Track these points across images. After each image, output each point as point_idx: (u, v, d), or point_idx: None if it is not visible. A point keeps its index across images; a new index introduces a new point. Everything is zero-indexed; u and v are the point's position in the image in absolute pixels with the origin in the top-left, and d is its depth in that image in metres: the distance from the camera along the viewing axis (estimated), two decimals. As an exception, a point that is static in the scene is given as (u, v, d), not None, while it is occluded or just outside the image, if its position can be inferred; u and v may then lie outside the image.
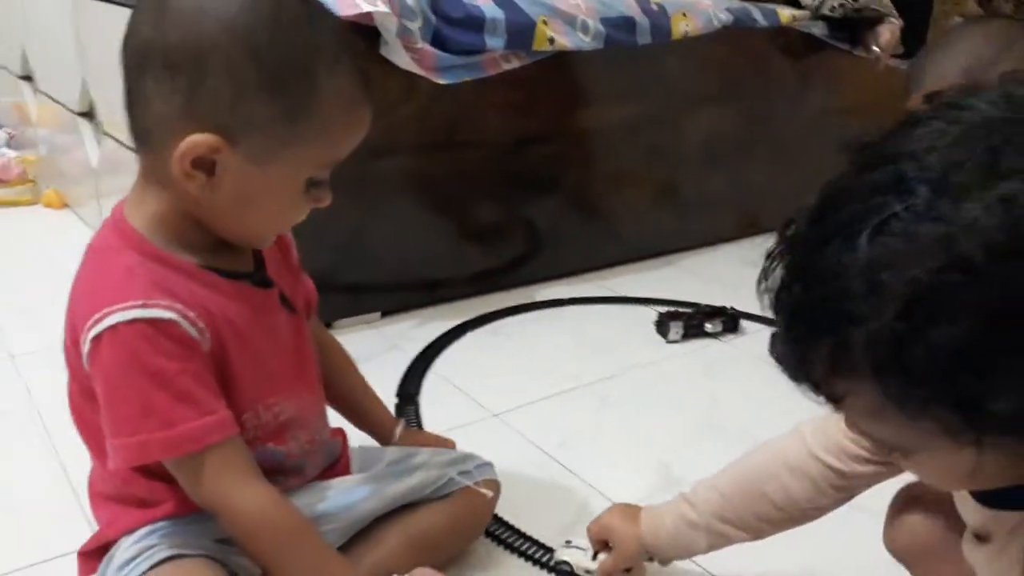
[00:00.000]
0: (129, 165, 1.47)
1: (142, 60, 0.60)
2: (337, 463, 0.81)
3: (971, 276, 0.35)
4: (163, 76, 0.59)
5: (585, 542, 0.81)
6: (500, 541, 0.87)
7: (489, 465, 0.86)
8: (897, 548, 0.71)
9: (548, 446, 1.05)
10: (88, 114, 1.66)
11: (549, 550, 0.86)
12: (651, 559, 0.78)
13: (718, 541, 0.74)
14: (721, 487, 0.74)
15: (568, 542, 0.83)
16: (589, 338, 1.38)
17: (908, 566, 0.72)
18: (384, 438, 0.89)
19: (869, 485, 0.69)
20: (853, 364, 0.39)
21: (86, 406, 0.66)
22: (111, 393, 0.62)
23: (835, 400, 0.43)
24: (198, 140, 0.59)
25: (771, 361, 1.44)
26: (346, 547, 0.77)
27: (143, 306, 0.60)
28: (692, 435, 1.10)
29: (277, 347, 0.71)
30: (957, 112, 0.39)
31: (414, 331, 1.34)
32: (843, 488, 0.69)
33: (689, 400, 1.19)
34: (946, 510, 0.60)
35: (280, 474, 0.72)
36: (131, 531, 0.68)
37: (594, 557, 0.80)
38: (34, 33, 1.88)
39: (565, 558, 0.82)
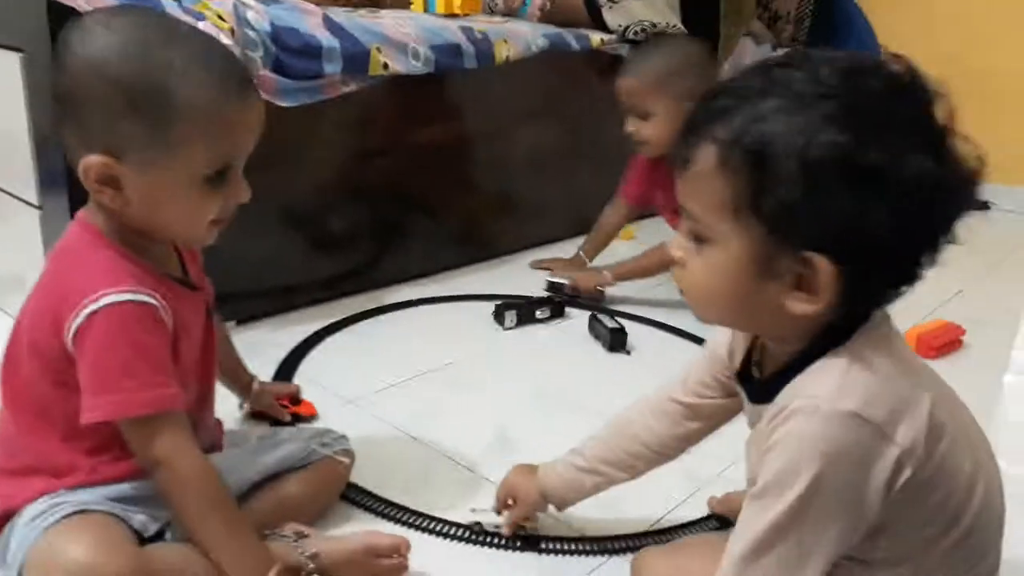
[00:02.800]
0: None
1: (54, 105, 0.73)
2: (214, 448, 0.91)
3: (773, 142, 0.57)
4: (63, 115, 0.73)
5: (487, 505, 0.97)
6: (356, 504, 1.01)
7: (344, 438, 1.00)
8: None
9: (397, 422, 1.19)
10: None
11: (402, 508, 1.00)
12: (552, 508, 0.92)
13: (602, 482, 0.88)
14: (601, 435, 0.89)
15: (472, 509, 0.98)
16: (435, 332, 1.53)
17: None
18: (244, 390, 1.13)
19: (713, 420, 0.84)
20: (715, 134, 0.60)
21: (42, 383, 0.76)
22: (100, 357, 0.72)
23: (686, 163, 0.62)
24: (89, 162, 0.72)
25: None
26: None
27: (133, 291, 0.73)
28: (524, 403, 1.28)
29: (196, 343, 0.83)
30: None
31: (269, 336, 1.45)
32: (694, 418, 0.84)
33: (521, 375, 1.37)
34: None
35: None
36: (36, 499, 0.76)
37: (499, 513, 0.96)
38: None
39: (476, 519, 0.96)
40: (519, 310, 1.55)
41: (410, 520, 0.98)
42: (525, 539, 0.95)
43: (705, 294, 0.65)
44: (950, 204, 0.59)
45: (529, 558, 0.93)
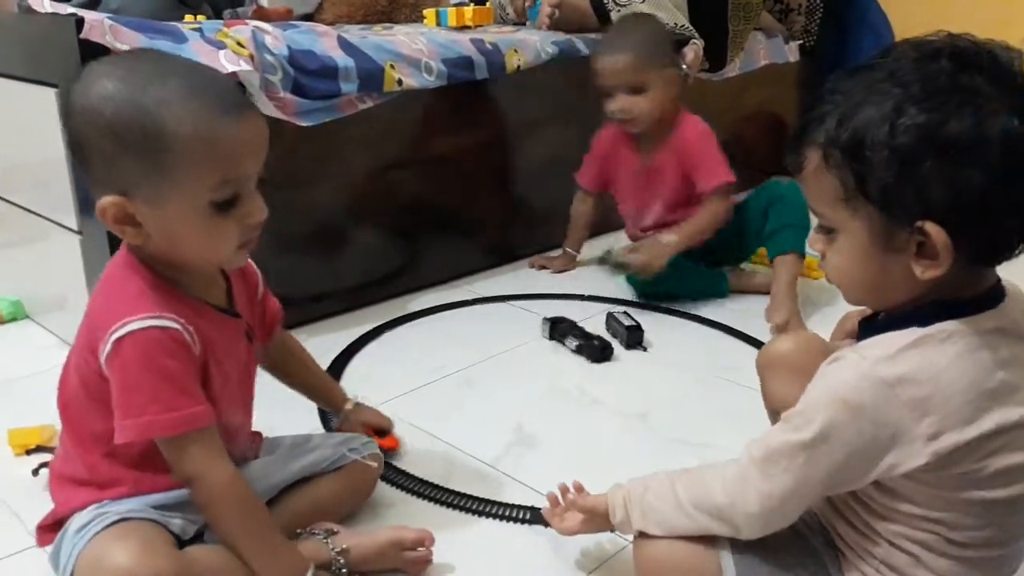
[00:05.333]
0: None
1: (69, 152, 0.79)
2: (250, 457, 0.97)
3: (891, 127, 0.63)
4: (76, 161, 0.78)
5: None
6: (396, 485, 1.09)
7: (372, 442, 1.05)
8: (767, 359, 0.95)
9: (421, 423, 1.25)
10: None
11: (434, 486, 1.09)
12: None
13: None
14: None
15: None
16: (456, 336, 1.58)
17: (765, 376, 0.95)
18: (336, 409, 1.13)
19: None
20: (815, 139, 0.68)
21: (86, 402, 0.82)
22: (126, 382, 0.77)
23: (799, 168, 0.70)
24: (103, 203, 0.77)
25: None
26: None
27: (156, 317, 0.77)
28: (538, 399, 1.34)
29: (236, 369, 0.88)
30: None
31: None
32: None
33: (537, 374, 1.43)
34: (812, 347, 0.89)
35: None
36: (82, 508, 0.83)
37: None
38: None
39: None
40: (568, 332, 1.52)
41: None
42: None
43: (845, 277, 0.72)
44: None
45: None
